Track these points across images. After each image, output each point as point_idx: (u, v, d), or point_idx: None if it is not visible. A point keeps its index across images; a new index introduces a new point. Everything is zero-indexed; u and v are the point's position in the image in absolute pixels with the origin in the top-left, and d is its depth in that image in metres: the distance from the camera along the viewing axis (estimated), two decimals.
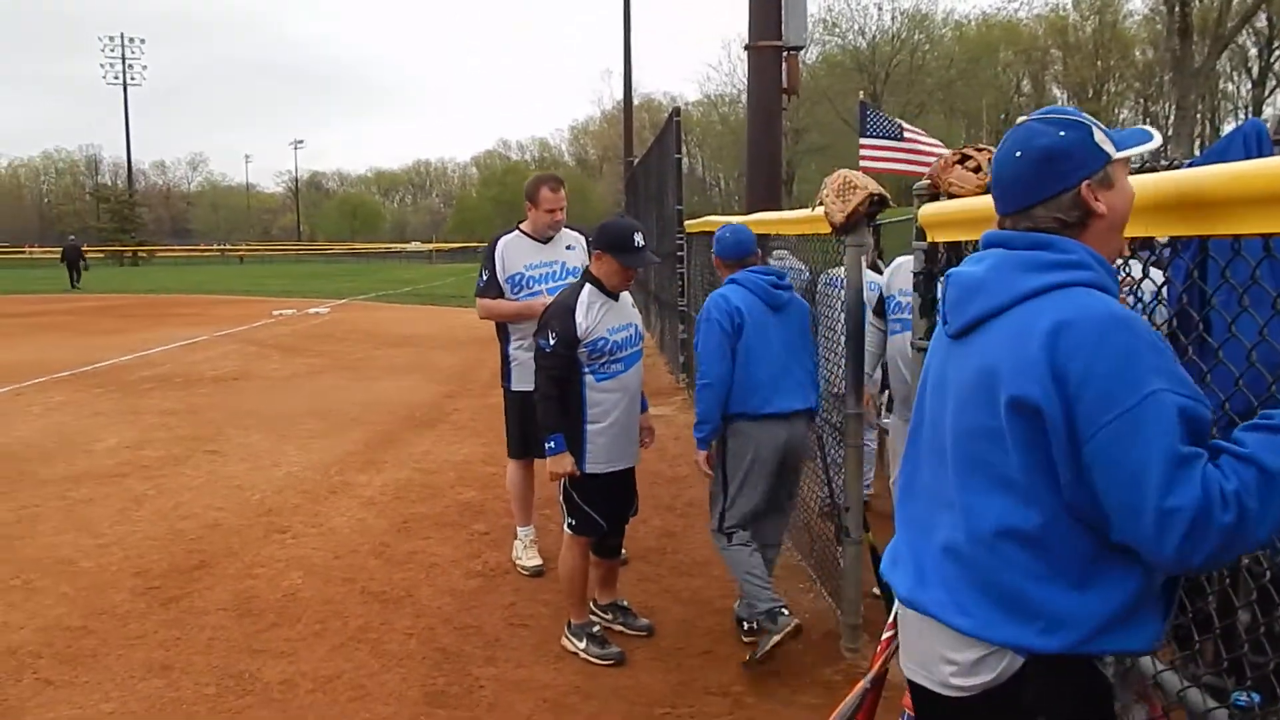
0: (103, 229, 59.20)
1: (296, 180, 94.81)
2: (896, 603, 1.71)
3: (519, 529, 4.84)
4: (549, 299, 4.33)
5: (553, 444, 3.59)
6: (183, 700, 3.41)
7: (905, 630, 1.68)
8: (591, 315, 3.60)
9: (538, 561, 4.69)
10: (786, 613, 3.46)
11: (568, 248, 4.67)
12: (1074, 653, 1.42)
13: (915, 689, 1.65)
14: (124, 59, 68.34)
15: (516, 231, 4.64)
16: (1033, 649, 1.44)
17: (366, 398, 9.56)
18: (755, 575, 3.58)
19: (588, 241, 4.68)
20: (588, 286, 3.67)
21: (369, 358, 12.79)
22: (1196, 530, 1.27)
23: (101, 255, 50.32)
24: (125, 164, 68.13)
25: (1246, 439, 1.35)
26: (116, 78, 67.88)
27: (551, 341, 3.58)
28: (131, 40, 69.19)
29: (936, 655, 1.55)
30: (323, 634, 3.96)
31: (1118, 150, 1.47)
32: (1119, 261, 1.65)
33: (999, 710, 1.49)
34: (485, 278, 4.61)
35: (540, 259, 4.57)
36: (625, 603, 4.08)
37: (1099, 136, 1.47)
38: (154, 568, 4.71)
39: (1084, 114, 1.50)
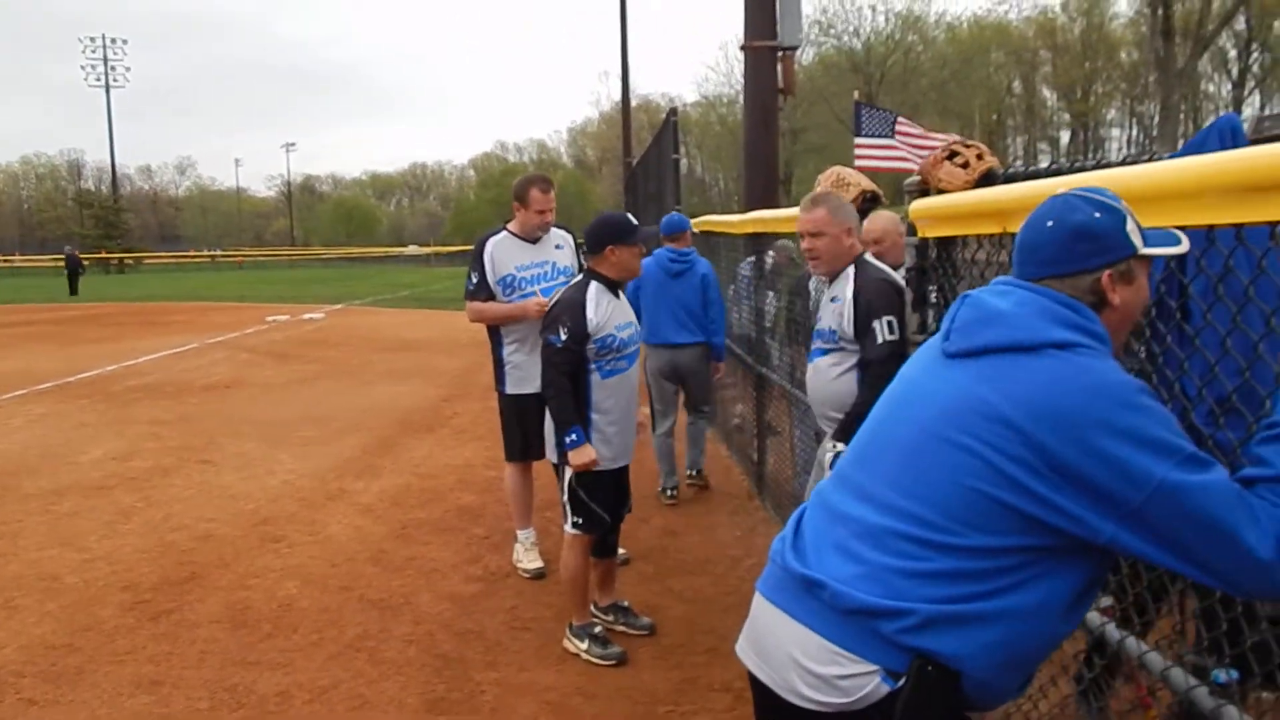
0: (87, 236, 58.42)
1: (289, 184, 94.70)
2: None
3: (519, 532, 4.83)
4: (542, 300, 4.32)
5: (574, 436, 3.57)
6: (173, 716, 3.38)
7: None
8: (601, 311, 3.62)
9: (539, 564, 4.68)
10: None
11: (556, 247, 4.68)
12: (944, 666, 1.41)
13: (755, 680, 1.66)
14: (106, 60, 67.86)
15: (504, 232, 4.63)
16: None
17: (364, 403, 9.53)
18: (663, 457, 5.86)
19: (576, 241, 4.68)
20: (594, 283, 3.67)
21: (366, 363, 12.75)
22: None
23: (87, 263, 50.22)
24: (109, 168, 67.56)
25: (1266, 455, 1.34)
26: (98, 80, 67.34)
27: (563, 337, 3.58)
28: (114, 41, 68.71)
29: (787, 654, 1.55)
30: (320, 643, 3.93)
31: (1145, 246, 1.47)
32: None
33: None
34: (475, 280, 4.59)
35: (530, 259, 4.57)
36: (626, 603, 4.07)
37: (1130, 227, 1.47)
38: (143, 581, 4.67)
39: (1122, 201, 1.50)
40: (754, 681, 1.62)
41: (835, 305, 3.32)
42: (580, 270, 4.36)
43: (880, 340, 3.14)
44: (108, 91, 66.71)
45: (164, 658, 3.82)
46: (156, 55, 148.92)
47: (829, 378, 3.36)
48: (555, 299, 3.78)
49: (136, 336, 16.84)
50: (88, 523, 5.64)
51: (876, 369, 3.10)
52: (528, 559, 4.71)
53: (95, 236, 58.65)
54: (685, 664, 3.68)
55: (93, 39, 68.55)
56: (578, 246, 4.71)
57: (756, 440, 5.91)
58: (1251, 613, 1.71)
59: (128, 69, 71.75)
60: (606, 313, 3.63)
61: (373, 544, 5.17)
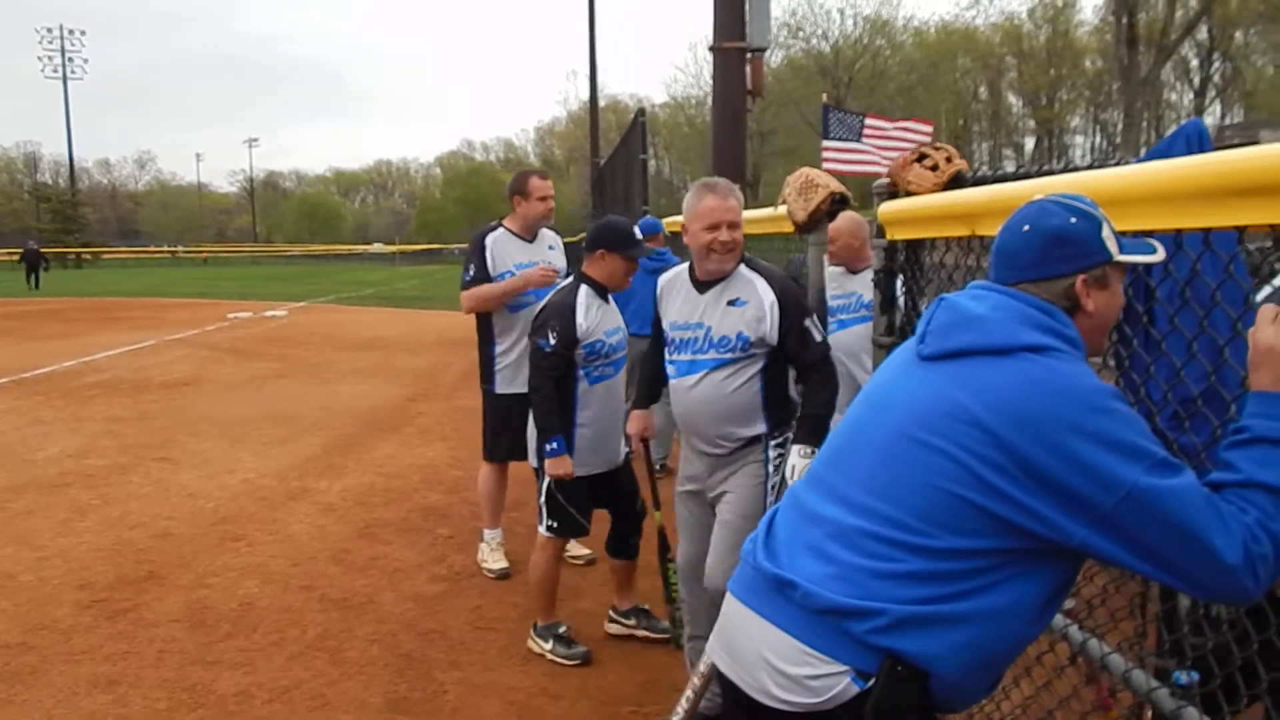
0: (44, 230, 57.20)
1: (251, 180, 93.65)
2: None
3: (486, 531, 4.78)
4: (545, 268, 4.30)
5: (554, 445, 3.53)
6: (130, 715, 3.31)
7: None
8: (591, 316, 3.57)
9: (504, 564, 4.65)
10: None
11: (550, 247, 4.62)
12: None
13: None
14: (63, 51, 66.79)
15: (502, 229, 4.55)
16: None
17: (327, 402, 9.41)
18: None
19: (565, 242, 4.64)
20: (584, 288, 3.62)
21: (329, 361, 12.60)
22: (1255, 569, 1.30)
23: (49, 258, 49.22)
24: (67, 162, 66.62)
25: (1234, 460, 1.35)
26: (55, 71, 66.31)
27: (552, 341, 3.53)
28: (71, 32, 67.78)
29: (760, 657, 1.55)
30: (280, 643, 3.87)
31: (1121, 253, 1.49)
32: None
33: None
34: (472, 272, 4.47)
35: (528, 258, 4.49)
36: (647, 606, 4.02)
37: (1106, 233, 1.48)
38: (99, 580, 4.58)
39: (1098, 208, 1.51)
40: (724, 681, 1.61)
41: (742, 309, 2.97)
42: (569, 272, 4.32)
43: (819, 339, 2.99)
44: (65, 83, 65.61)
45: (121, 657, 3.74)
46: (116, 47, 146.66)
47: (727, 391, 2.99)
48: (545, 301, 3.72)
49: (94, 332, 16.51)
50: (43, 520, 5.52)
51: (826, 368, 2.98)
52: (493, 559, 4.67)
53: (52, 231, 57.45)
54: (649, 664, 3.68)
55: (50, 29, 67.47)
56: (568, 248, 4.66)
57: None
58: (1211, 616, 1.74)
59: (86, 61, 70.53)
60: (596, 318, 3.58)
61: (335, 543, 5.11)
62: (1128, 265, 1.53)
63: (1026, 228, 1.52)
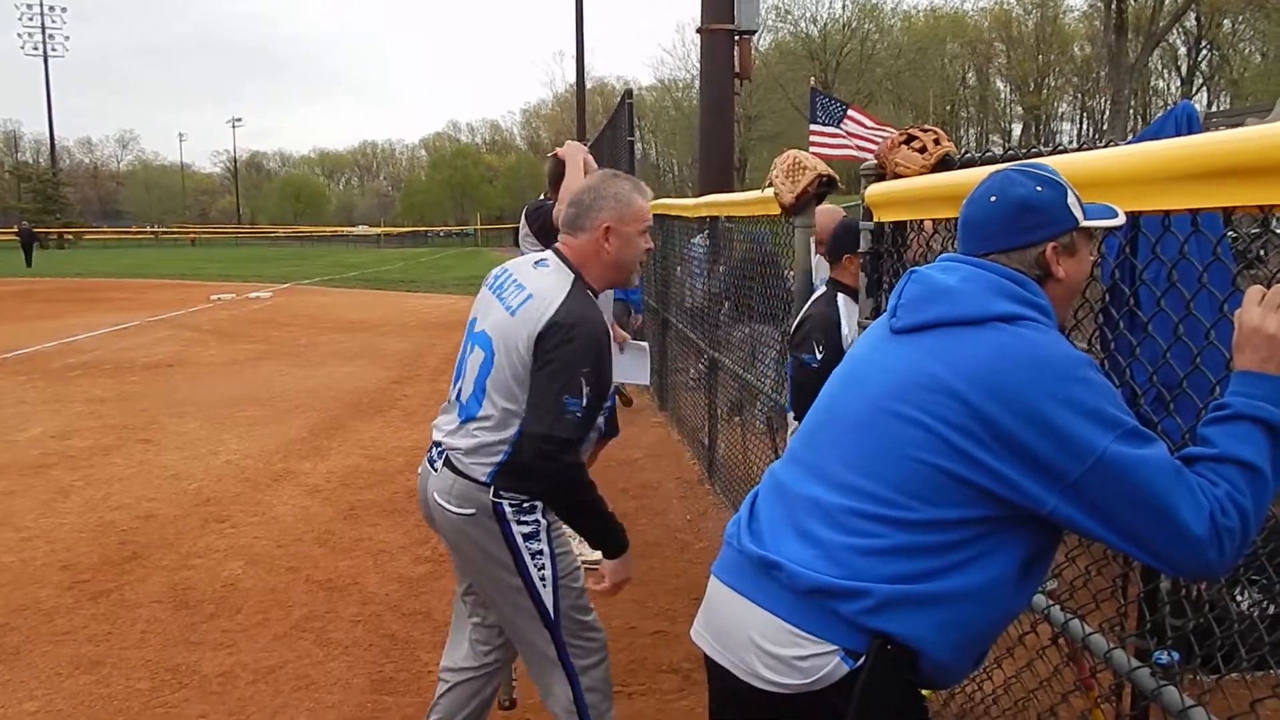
0: (25, 210, 56.46)
1: (235, 160, 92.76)
2: None
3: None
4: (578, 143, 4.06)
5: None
6: (114, 696, 3.30)
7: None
8: (852, 328, 3.05)
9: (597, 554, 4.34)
10: None
11: None
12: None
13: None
14: (44, 29, 65.89)
15: (551, 203, 4.15)
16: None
17: (311, 384, 9.36)
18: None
19: None
20: (841, 296, 3.16)
21: (313, 343, 12.53)
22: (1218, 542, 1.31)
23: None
24: (48, 141, 65.76)
25: (1211, 435, 1.36)
26: (36, 48, 65.50)
27: (818, 356, 2.98)
28: (52, 9, 66.78)
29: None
30: (265, 624, 3.86)
31: (1086, 219, 1.49)
32: None
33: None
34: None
35: None
36: None
37: (1071, 200, 1.49)
38: (82, 561, 4.55)
39: (1061, 175, 1.52)
40: (710, 665, 1.61)
41: None
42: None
43: None
44: (45, 61, 64.73)
45: (104, 637, 3.73)
46: (97, 25, 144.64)
47: None
48: (804, 314, 3.24)
49: (76, 313, 16.37)
50: (25, 501, 5.48)
51: None
52: (588, 549, 4.34)
53: (33, 211, 56.74)
54: (633, 646, 3.69)
55: (30, 5, 66.42)
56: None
57: (708, 425, 5.93)
58: (1191, 598, 1.75)
59: (67, 38, 69.68)
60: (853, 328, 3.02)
61: (320, 525, 5.09)
62: (1101, 234, 1.54)
63: (993, 198, 1.52)
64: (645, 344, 4.57)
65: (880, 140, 2.85)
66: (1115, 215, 1.51)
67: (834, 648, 1.42)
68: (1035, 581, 1.49)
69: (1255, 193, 1.34)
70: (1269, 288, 1.36)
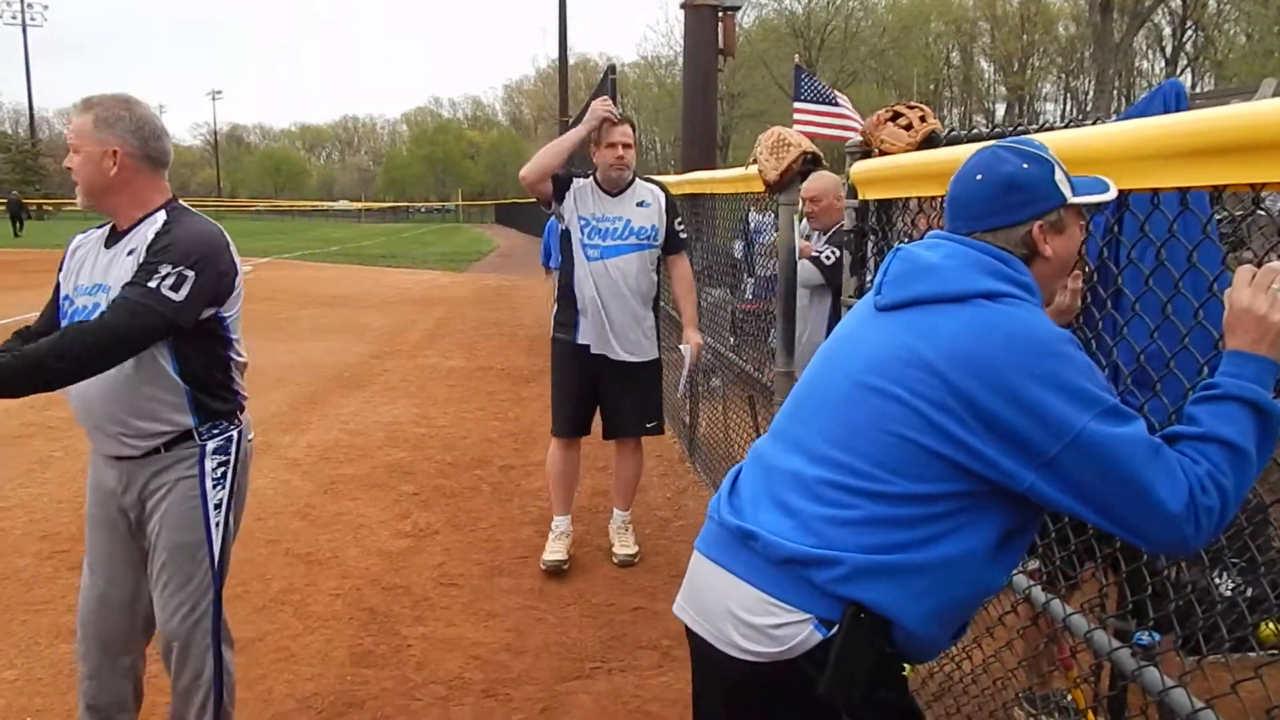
0: (3, 181, 55.88)
1: (215, 133, 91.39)
2: None
3: (556, 518, 4.30)
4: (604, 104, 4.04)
5: None
6: None
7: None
8: None
9: (561, 556, 4.14)
10: None
11: (640, 204, 4.09)
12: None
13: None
14: None
15: (590, 179, 4.11)
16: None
17: (291, 358, 9.29)
18: None
19: (667, 198, 4.15)
20: None
21: (293, 318, 12.44)
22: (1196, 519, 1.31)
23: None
24: (26, 110, 64.64)
25: (1197, 414, 1.36)
26: (15, 18, 64.13)
27: None
28: None
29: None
30: (244, 596, 3.85)
31: (1074, 195, 1.48)
32: None
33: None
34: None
35: (606, 212, 4.06)
36: None
37: (1059, 177, 1.48)
38: (62, 531, 4.51)
39: (1049, 151, 1.50)
40: (691, 638, 1.62)
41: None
42: (667, 233, 4.04)
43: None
44: (24, 30, 63.58)
45: None
46: None
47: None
48: None
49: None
50: (4, 471, 5.42)
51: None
52: (550, 550, 4.17)
53: (12, 181, 56.00)
54: (613, 622, 3.70)
55: None
56: (670, 206, 4.15)
57: (688, 403, 5.93)
58: (1172, 579, 1.76)
59: (46, 7, 67.99)
60: None
61: (300, 499, 5.07)
62: (1089, 210, 1.53)
63: (980, 176, 1.51)
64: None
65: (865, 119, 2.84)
66: (1106, 189, 1.50)
67: (807, 616, 1.43)
68: (1014, 555, 1.50)
69: (1247, 170, 1.34)
70: (1259, 268, 1.37)
